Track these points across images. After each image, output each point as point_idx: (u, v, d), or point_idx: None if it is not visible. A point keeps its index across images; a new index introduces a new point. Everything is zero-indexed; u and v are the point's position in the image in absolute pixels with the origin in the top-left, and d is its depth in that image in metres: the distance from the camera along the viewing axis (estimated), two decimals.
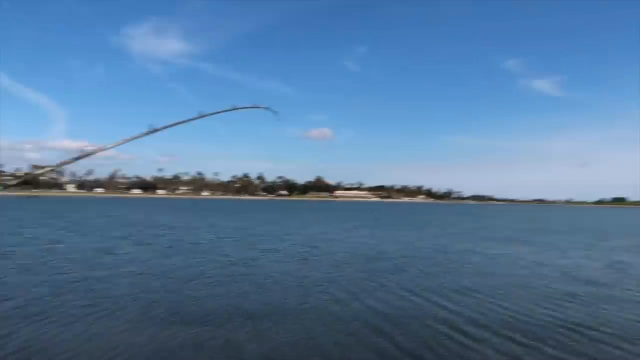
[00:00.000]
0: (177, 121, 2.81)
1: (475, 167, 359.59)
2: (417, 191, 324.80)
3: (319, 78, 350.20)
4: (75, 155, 1.96)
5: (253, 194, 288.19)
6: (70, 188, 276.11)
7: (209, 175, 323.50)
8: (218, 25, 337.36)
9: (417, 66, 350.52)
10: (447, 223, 50.60)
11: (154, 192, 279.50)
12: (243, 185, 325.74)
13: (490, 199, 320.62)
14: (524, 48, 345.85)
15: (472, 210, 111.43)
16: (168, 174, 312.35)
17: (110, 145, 2.19)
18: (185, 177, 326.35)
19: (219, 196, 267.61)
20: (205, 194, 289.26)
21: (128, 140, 2.23)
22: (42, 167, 1.80)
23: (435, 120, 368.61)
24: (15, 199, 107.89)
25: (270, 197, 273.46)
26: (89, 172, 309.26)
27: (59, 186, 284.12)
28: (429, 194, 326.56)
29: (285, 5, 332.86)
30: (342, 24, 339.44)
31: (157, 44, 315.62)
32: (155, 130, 2.44)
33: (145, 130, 2.53)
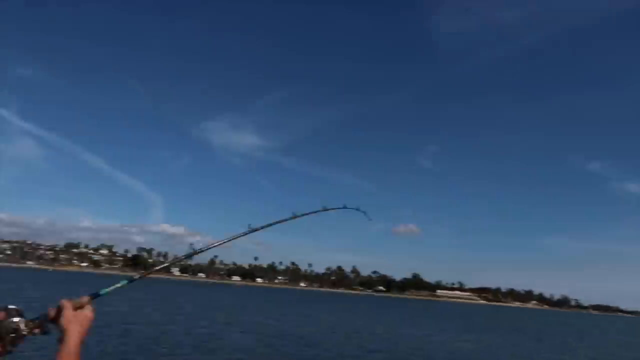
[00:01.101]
0: (273, 221, 2.81)
1: (585, 272, 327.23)
2: (528, 296, 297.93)
3: (395, 173, 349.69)
4: (189, 252, 2.18)
5: (350, 288, 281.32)
6: (176, 272, 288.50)
7: (302, 266, 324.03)
8: (289, 121, 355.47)
9: (493, 166, 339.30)
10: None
11: (253, 280, 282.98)
12: (338, 278, 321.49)
13: (617, 309, 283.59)
14: (605, 149, 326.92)
15: (601, 324, 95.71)
16: (263, 262, 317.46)
17: (216, 243, 2.28)
18: (281, 267, 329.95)
19: (316, 288, 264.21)
20: (302, 284, 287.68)
21: (231, 239, 2.38)
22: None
23: (528, 219, 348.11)
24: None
25: (368, 292, 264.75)
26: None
27: (166, 269, 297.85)
28: (542, 299, 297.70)
29: (340, 106, 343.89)
30: (412, 121, 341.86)
31: (235, 137, 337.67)
32: (254, 230, 2.55)
33: (246, 229, 2.55)
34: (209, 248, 2.07)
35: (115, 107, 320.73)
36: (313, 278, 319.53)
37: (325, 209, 3.09)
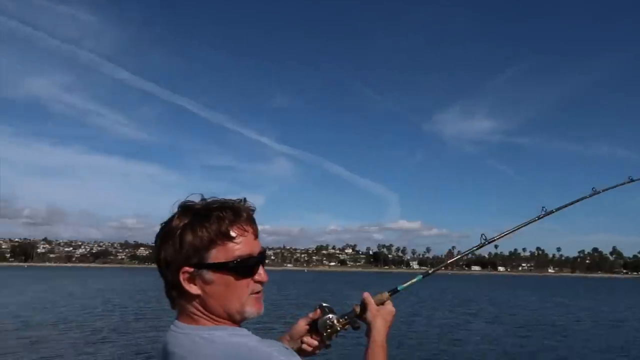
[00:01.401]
0: (572, 201, 2.25)
1: None
2: None
3: None
4: (481, 242, 1.81)
5: (610, 272, 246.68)
6: (414, 265, 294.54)
7: (549, 251, 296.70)
8: (525, 98, 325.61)
9: None
10: None
11: (494, 269, 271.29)
12: (594, 261, 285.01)
13: None
14: None
15: None
16: (504, 250, 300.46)
17: (509, 231, 1.92)
18: (524, 254, 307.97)
19: (567, 273, 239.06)
20: (550, 271, 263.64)
21: (522, 226, 1.96)
22: (446, 258, 1.06)
23: None
24: (372, 274, 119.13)
25: (635, 275, 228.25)
26: (428, 250, 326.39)
27: (405, 263, 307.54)
28: None
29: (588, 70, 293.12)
30: None
31: (467, 125, 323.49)
32: (549, 213, 2.06)
33: (540, 213, 2.08)
34: (502, 236, 1.92)
35: (351, 117, 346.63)
36: (562, 263, 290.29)
37: (631, 180, 2.57)
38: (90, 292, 36.94)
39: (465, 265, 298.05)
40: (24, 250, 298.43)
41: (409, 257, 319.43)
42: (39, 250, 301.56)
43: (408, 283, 1.70)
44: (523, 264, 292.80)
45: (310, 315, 1.57)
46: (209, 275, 1.16)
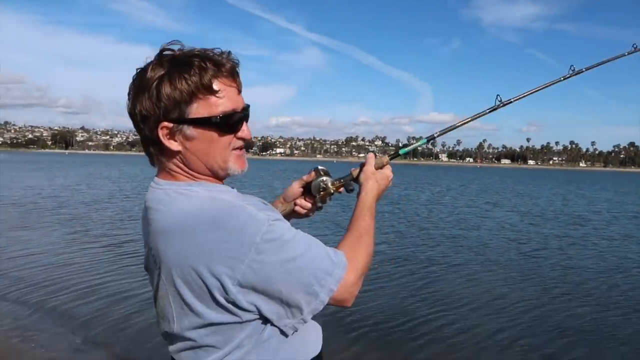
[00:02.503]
0: (534, 88, 1.88)
1: None
2: None
3: None
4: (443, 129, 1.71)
5: None
6: (444, 157, 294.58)
7: (584, 145, 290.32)
8: None
9: None
10: None
11: (524, 163, 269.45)
12: (629, 155, 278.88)
13: None
14: None
15: None
16: (536, 143, 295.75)
17: (463, 121, 1.71)
18: (557, 148, 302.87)
19: (599, 168, 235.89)
20: (582, 165, 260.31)
21: (477, 117, 1.75)
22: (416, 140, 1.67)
23: None
24: (401, 166, 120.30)
25: None
26: (458, 143, 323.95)
27: (435, 156, 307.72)
28: None
29: None
30: None
31: (508, 11, 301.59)
32: (508, 103, 1.74)
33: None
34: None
35: (385, 1, 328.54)
36: (596, 157, 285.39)
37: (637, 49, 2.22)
38: (125, 177, 38.74)
39: (495, 158, 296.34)
40: (63, 138, 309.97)
41: (438, 150, 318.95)
42: (77, 138, 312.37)
43: (411, 146, 1.66)
44: (555, 158, 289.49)
45: (305, 177, 1.54)
46: (190, 130, 1.10)
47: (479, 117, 1.78)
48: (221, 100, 1.11)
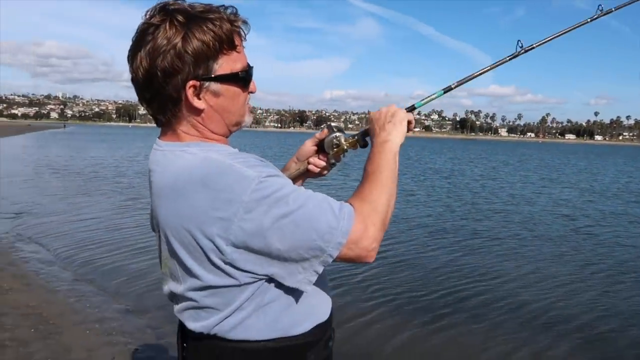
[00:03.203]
0: (558, 32, 1.66)
1: None
2: None
3: None
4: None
5: None
6: (503, 132, 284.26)
7: None
8: None
9: None
10: None
11: (591, 138, 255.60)
12: None
13: None
14: None
15: None
16: (605, 118, 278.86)
17: (482, 70, 1.57)
18: (628, 122, 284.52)
19: None
20: None
21: (497, 65, 1.58)
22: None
23: None
24: (457, 141, 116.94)
25: None
26: (519, 117, 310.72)
27: (494, 130, 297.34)
28: None
29: None
30: None
31: None
32: (530, 48, 1.58)
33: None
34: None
35: None
36: None
37: None
38: None
39: (559, 133, 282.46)
40: (127, 111, 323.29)
41: (498, 124, 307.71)
42: (140, 111, 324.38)
43: (427, 99, 1.56)
44: (625, 133, 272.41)
45: (317, 135, 1.50)
46: (217, 87, 1.10)
47: (499, 64, 1.63)
48: (240, 55, 1.12)
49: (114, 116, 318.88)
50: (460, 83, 1.59)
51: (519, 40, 1.60)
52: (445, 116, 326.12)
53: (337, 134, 1.45)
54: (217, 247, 1.01)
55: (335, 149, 1.45)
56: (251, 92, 1.19)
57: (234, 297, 1.07)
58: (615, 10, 1.87)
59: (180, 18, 1.04)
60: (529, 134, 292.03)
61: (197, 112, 1.11)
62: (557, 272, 7.12)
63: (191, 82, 1.06)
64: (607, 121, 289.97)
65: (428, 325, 5.05)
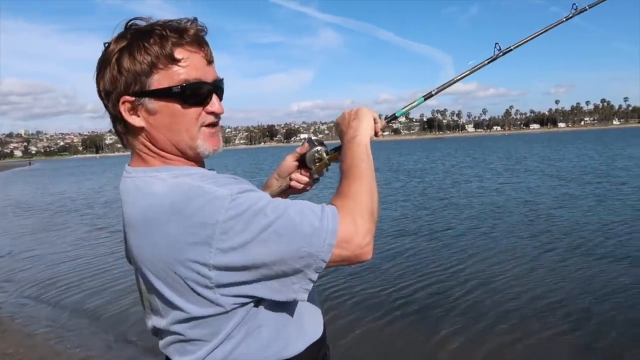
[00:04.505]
0: (535, 33, 1.73)
1: None
2: None
3: None
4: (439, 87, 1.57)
5: None
6: (470, 128, 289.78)
7: (616, 102, 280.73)
8: None
9: None
10: None
11: (554, 126, 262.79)
12: None
13: None
14: None
15: None
16: (566, 105, 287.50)
17: (461, 75, 1.59)
18: (587, 108, 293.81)
19: (635, 125, 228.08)
20: (616, 123, 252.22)
21: (476, 69, 1.60)
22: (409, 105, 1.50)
23: None
24: (424, 141, 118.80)
25: None
26: (484, 112, 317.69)
27: (461, 127, 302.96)
28: None
29: None
30: None
31: None
32: (508, 51, 1.62)
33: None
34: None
35: None
36: (630, 114, 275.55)
37: None
38: None
39: (524, 124, 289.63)
40: (93, 142, 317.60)
41: (464, 121, 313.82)
42: (106, 141, 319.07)
43: (407, 107, 1.53)
44: (586, 119, 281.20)
45: (298, 150, 1.43)
46: (152, 104, 1.03)
47: (479, 68, 1.64)
48: (184, 69, 1.02)
49: (81, 148, 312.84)
50: (440, 89, 1.59)
51: (496, 43, 1.60)
52: (413, 118, 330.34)
53: (319, 147, 1.40)
54: (199, 274, 0.95)
55: (317, 163, 1.40)
56: (213, 113, 1.08)
57: (221, 326, 1.01)
58: (589, 8, 1.89)
59: (127, 34, 1.03)
60: (495, 127, 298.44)
61: (137, 130, 1.06)
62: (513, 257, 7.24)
63: (123, 98, 1.02)
64: (568, 108, 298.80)
65: (428, 332, 5.05)
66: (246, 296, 1.00)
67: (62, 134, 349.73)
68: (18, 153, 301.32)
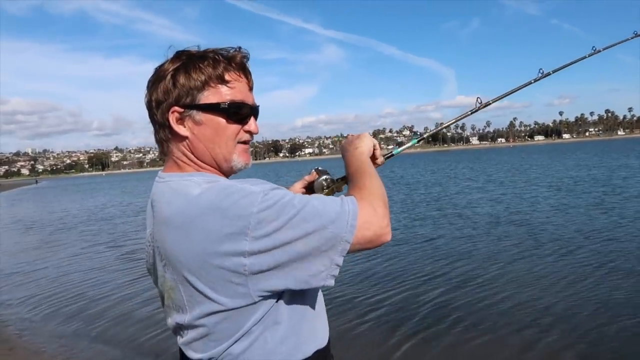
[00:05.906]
0: (570, 61, 2.16)
1: None
2: None
3: None
4: (467, 111, 1.76)
5: None
6: (474, 141, 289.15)
7: (620, 113, 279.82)
8: None
9: None
10: None
11: (559, 137, 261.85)
12: None
13: None
14: None
15: None
16: (570, 116, 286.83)
17: (496, 98, 1.80)
18: (592, 118, 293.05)
19: (638, 135, 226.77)
20: (621, 133, 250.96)
21: (517, 89, 1.87)
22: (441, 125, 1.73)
23: None
24: (431, 153, 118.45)
25: None
26: (488, 124, 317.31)
27: (465, 140, 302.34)
28: None
29: None
30: None
31: None
32: (547, 75, 1.99)
33: (536, 75, 2.00)
34: (498, 99, 1.87)
35: None
36: (634, 124, 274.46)
37: (637, 35, 2.48)
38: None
39: (528, 136, 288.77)
40: (99, 160, 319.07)
41: (468, 134, 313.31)
42: (112, 159, 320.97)
43: (403, 147, 1.68)
44: (591, 129, 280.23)
45: (307, 177, 1.57)
46: (199, 115, 1.16)
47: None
48: (231, 91, 1.17)
49: (87, 166, 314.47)
50: (432, 132, 1.80)
51: (478, 97, 1.79)
52: (417, 131, 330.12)
53: (326, 176, 1.51)
54: (234, 262, 1.03)
55: (325, 190, 1.49)
56: (250, 132, 1.23)
57: (245, 321, 1.09)
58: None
59: (182, 57, 1.18)
60: (499, 139, 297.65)
61: (181, 138, 1.18)
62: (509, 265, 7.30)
63: (174, 108, 1.16)
64: (572, 119, 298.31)
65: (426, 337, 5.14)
66: (274, 288, 1.07)
67: (69, 152, 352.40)
68: (25, 171, 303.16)
